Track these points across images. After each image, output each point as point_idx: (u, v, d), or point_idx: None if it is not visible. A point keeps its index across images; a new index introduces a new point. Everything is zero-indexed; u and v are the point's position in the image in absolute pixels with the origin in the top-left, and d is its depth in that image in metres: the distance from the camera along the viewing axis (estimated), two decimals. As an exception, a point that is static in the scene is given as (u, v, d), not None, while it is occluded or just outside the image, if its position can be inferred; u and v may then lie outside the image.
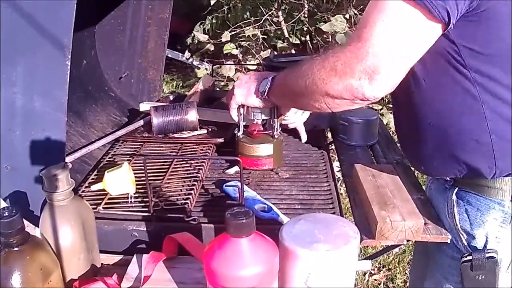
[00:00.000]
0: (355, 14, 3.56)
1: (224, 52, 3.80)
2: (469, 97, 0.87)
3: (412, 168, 1.19)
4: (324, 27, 3.31)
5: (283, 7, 4.03)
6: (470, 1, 0.78)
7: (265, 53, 3.70)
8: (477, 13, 0.80)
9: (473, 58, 0.85)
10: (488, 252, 0.95)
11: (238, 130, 1.23)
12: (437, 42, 0.83)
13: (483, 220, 0.95)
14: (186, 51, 4.32)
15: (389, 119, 3.34)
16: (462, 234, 0.98)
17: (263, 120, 1.21)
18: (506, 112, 0.87)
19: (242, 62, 3.83)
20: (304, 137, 1.37)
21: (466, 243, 0.98)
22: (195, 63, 4.57)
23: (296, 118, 1.30)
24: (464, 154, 0.92)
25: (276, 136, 1.23)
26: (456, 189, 0.99)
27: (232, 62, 3.76)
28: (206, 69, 4.00)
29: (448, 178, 1.00)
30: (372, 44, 0.80)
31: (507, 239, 0.96)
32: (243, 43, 3.80)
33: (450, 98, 0.89)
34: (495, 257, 0.95)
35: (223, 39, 3.71)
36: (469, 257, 0.95)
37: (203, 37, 3.86)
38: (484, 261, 0.94)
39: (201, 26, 4.32)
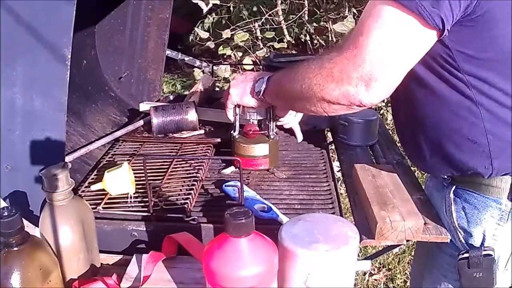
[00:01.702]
0: (355, 14, 3.56)
1: (219, 53, 3.81)
2: (465, 99, 0.88)
3: (412, 167, 1.19)
4: (336, 26, 3.31)
5: (283, 7, 4.03)
6: (465, 7, 0.78)
7: (261, 53, 3.71)
8: (472, 18, 0.80)
9: (467, 62, 0.85)
10: (485, 250, 0.95)
11: (234, 130, 1.23)
12: (435, 47, 0.84)
13: (480, 218, 0.96)
14: (180, 54, 4.31)
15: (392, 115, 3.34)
16: (459, 232, 0.99)
17: (258, 120, 1.22)
18: (501, 113, 0.88)
19: (239, 63, 3.83)
20: (299, 136, 1.35)
21: (463, 241, 0.98)
22: (193, 62, 4.57)
23: (290, 118, 1.30)
24: (460, 154, 0.93)
25: (271, 136, 1.23)
26: (454, 187, 0.99)
27: (229, 62, 3.75)
28: (203, 71, 3.99)
29: (445, 176, 1.01)
30: (368, 51, 0.80)
31: (504, 237, 0.96)
32: (240, 44, 3.80)
33: (447, 100, 0.90)
34: (492, 255, 0.95)
35: (224, 36, 3.70)
36: (466, 255, 0.96)
37: (204, 34, 3.85)
38: (480, 258, 0.95)
39: (201, 24, 4.31)
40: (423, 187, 1.16)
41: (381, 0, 0.79)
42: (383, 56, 0.80)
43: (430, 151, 0.98)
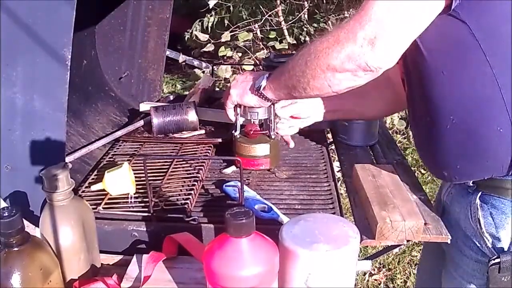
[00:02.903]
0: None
1: (220, 54, 3.80)
2: (488, 83, 0.86)
3: (412, 167, 1.19)
4: None
5: (283, 7, 4.03)
6: None
7: (261, 54, 3.71)
8: None
9: (487, 37, 0.83)
10: None
11: (235, 130, 1.23)
12: (452, 29, 0.83)
13: (508, 223, 0.94)
14: (180, 54, 4.30)
15: (391, 116, 3.34)
16: (487, 238, 0.97)
17: (260, 120, 1.22)
18: None
19: (240, 63, 3.83)
20: (291, 143, 1.36)
21: (491, 246, 0.96)
22: (194, 63, 4.57)
23: (284, 127, 1.30)
24: (489, 147, 0.91)
25: (273, 136, 1.23)
26: (480, 193, 0.97)
27: (229, 63, 3.76)
28: (203, 72, 3.99)
29: (471, 183, 0.99)
30: (374, 11, 0.81)
31: None
32: (240, 44, 3.80)
33: (471, 87, 0.88)
34: None
35: (223, 39, 3.71)
36: (497, 260, 0.95)
37: (203, 37, 3.85)
38: (510, 262, 0.94)
39: (200, 24, 4.30)
40: (423, 187, 1.15)
41: None
42: (389, 16, 0.81)
43: (457, 153, 0.95)
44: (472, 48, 0.85)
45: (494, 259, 0.95)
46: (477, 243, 0.99)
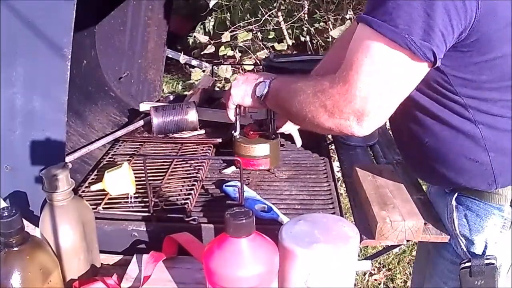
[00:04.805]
0: (354, 14, 3.56)
1: (220, 54, 3.80)
2: (464, 120, 0.87)
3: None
4: (333, 32, 3.30)
5: (283, 7, 4.03)
6: (459, 33, 0.77)
7: (262, 54, 3.71)
8: (467, 43, 0.79)
9: (464, 86, 0.84)
10: (487, 259, 0.94)
11: (235, 130, 1.23)
12: (432, 76, 0.83)
13: (482, 226, 0.95)
14: (181, 54, 4.30)
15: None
16: (461, 240, 0.97)
17: (260, 120, 1.22)
18: (503, 125, 0.87)
19: (240, 63, 3.83)
20: (298, 142, 1.35)
21: (465, 249, 0.97)
22: (194, 62, 4.57)
23: (289, 126, 1.30)
24: (462, 174, 0.92)
25: (272, 137, 1.23)
26: (456, 194, 0.98)
27: (229, 63, 3.75)
28: (203, 71, 3.99)
29: None
30: (358, 87, 0.80)
31: (506, 244, 0.95)
32: (240, 44, 3.80)
33: (446, 123, 0.89)
34: (494, 263, 0.94)
35: (223, 40, 3.71)
36: (468, 264, 0.95)
37: (204, 38, 3.85)
38: (483, 267, 0.94)
39: (202, 27, 4.30)
40: (423, 187, 1.16)
41: (370, 34, 0.78)
42: (374, 92, 0.80)
43: (431, 169, 0.97)
44: (447, 92, 0.86)
45: (464, 263, 0.96)
46: (452, 244, 0.99)
